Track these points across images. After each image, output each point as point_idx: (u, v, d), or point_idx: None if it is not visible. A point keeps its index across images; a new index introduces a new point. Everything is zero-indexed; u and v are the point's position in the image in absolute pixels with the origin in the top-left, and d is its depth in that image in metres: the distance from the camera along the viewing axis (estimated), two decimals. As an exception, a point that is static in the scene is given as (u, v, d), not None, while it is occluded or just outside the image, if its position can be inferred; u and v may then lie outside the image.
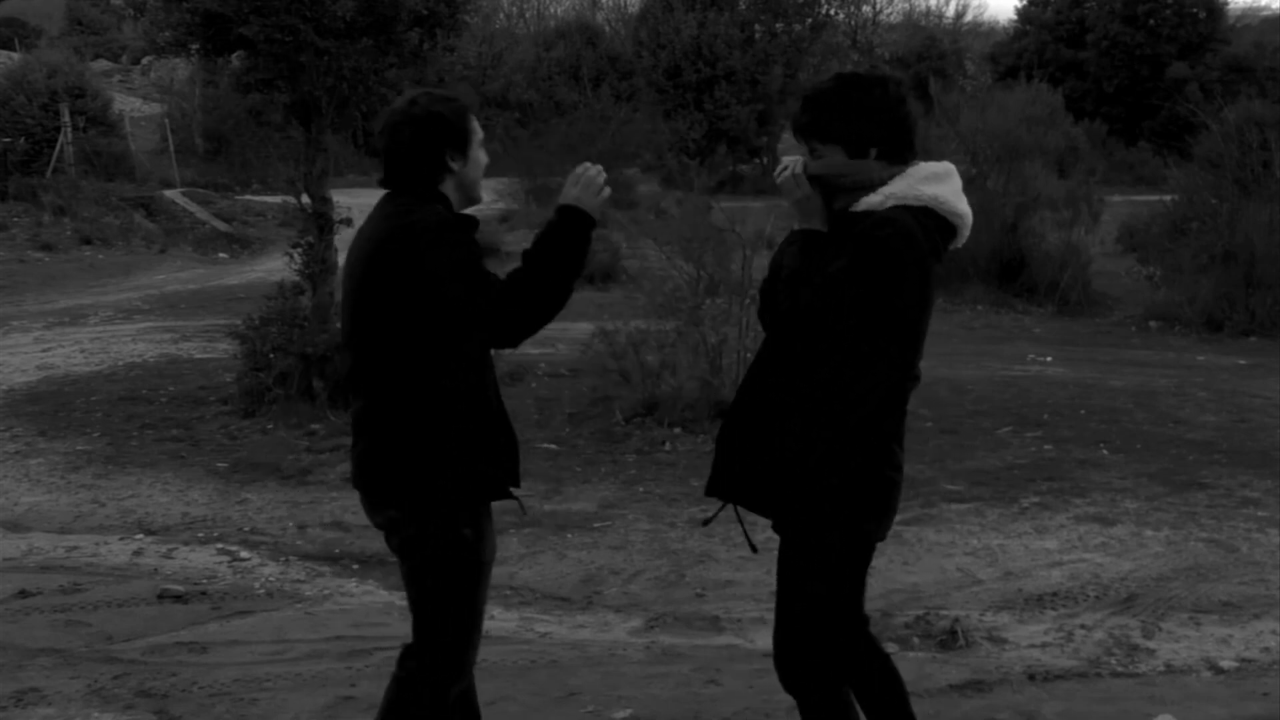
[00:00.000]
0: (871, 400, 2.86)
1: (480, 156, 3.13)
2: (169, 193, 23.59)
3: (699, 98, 31.08)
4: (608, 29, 42.60)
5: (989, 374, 10.80)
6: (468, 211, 3.12)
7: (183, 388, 10.18)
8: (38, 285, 17.30)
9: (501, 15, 47.64)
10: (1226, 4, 37.05)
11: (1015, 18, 39.54)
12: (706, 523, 3.34)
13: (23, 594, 5.65)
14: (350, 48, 9.29)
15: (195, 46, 9.88)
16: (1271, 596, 5.64)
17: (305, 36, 9.03)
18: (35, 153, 23.36)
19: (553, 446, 8.35)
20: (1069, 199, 16.72)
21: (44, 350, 12.23)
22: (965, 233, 2.95)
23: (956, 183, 2.95)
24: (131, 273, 18.64)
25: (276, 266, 13.93)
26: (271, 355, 9.10)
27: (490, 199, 26.89)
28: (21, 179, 21.88)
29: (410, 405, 2.97)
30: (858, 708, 3.10)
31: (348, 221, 9.13)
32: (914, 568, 6.09)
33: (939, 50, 39.22)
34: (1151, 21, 35.08)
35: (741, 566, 5.93)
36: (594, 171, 3.03)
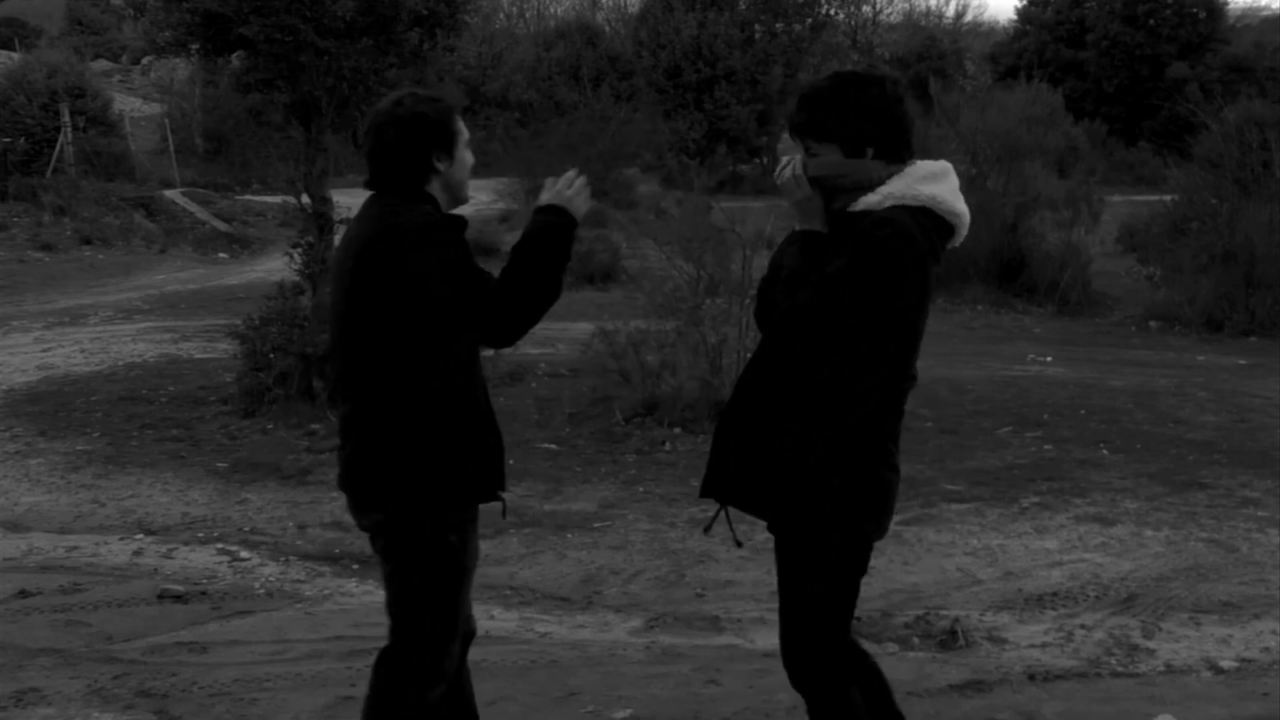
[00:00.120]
0: (871, 400, 2.86)
1: (467, 157, 3.12)
2: (169, 193, 23.59)
3: (699, 98, 31.08)
4: (608, 29, 42.59)
5: (989, 374, 10.80)
6: (456, 212, 3.11)
7: (183, 388, 10.18)
8: (38, 285, 17.30)
9: (501, 15, 47.65)
10: (1226, 4, 37.07)
11: (1015, 18, 39.55)
12: (707, 530, 3.34)
13: (23, 594, 5.65)
14: (350, 48, 9.30)
15: (195, 46, 9.88)
16: (1271, 596, 5.64)
17: (305, 36, 9.04)
18: (35, 153, 23.37)
19: (553, 446, 8.35)
20: (1069, 199, 16.72)
21: (44, 350, 12.23)
22: (963, 232, 2.95)
23: (953, 182, 2.95)
24: (131, 273, 18.64)
25: (276, 266, 13.93)
26: (271, 355, 9.10)
27: (490, 199, 26.97)
28: (21, 179, 21.88)
29: (399, 406, 2.96)
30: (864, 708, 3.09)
31: (347, 222, 9.12)
32: (914, 568, 6.09)
33: (939, 50, 39.21)
34: (1151, 21, 35.07)
35: (741, 566, 5.93)
36: (573, 175, 3.06)
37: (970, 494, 7.25)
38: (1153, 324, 14.73)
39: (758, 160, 32.63)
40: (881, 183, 2.88)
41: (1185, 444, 8.37)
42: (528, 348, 10.59)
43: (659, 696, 4.36)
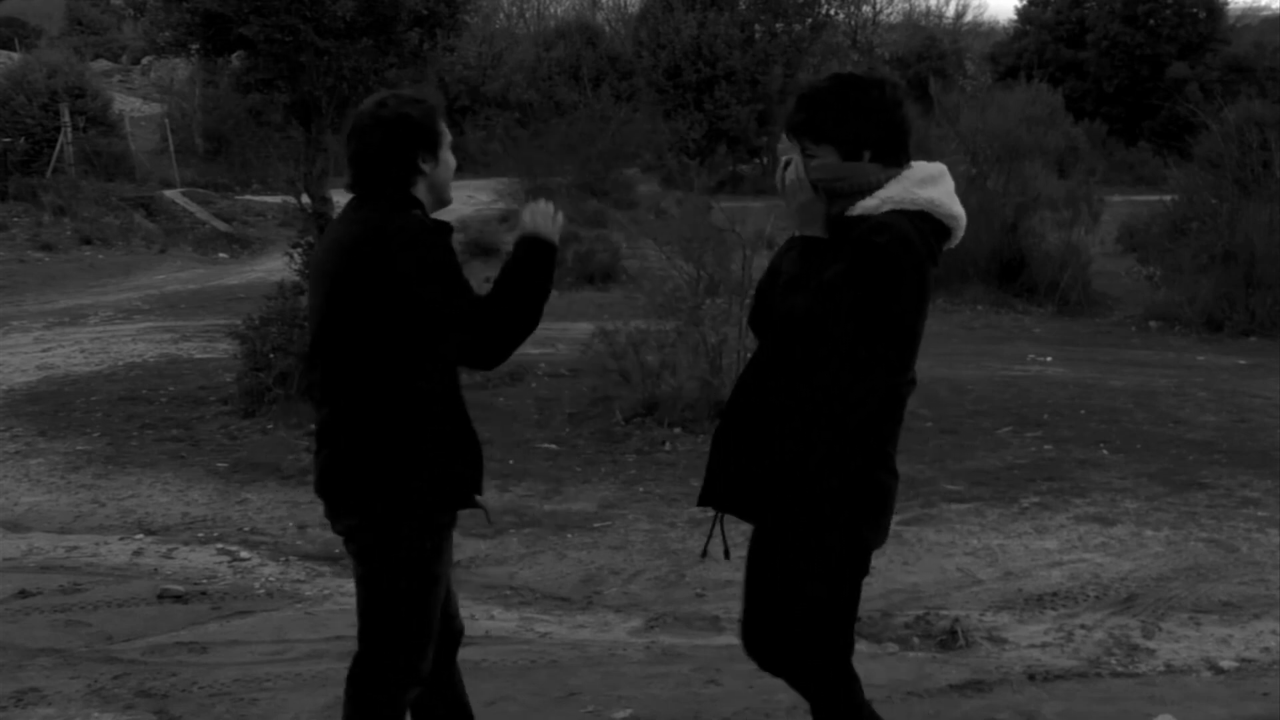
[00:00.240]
0: (870, 403, 2.85)
1: (450, 159, 3.11)
2: (169, 193, 23.59)
3: (699, 98, 31.07)
4: (608, 29, 42.59)
5: (989, 374, 10.80)
6: (441, 217, 3.11)
7: (183, 388, 10.18)
8: (38, 285, 17.30)
9: (501, 15, 47.66)
10: (1226, 4, 37.06)
11: (1015, 18, 39.54)
12: (704, 552, 3.38)
13: (23, 594, 5.65)
14: (350, 48, 9.31)
15: (195, 46, 9.89)
16: (1271, 596, 5.64)
17: (305, 36, 9.04)
18: (35, 153, 23.37)
19: (553, 446, 8.35)
20: (1069, 199, 16.72)
21: (44, 350, 12.23)
22: (960, 234, 2.94)
23: (950, 184, 2.94)
24: (131, 273, 18.64)
25: (276, 266, 13.93)
26: (271, 355, 9.10)
27: (490, 199, 26.95)
28: (21, 179, 21.88)
29: (385, 408, 2.95)
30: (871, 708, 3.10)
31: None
32: (914, 568, 6.09)
33: (939, 50, 39.22)
34: (1151, 21, 35.07)
35: (741, 567, 5.91)
36: (543, 204, 3.08)
37: (970, 494, 7.25)
38: (1153, 324, 14.73)
39: (758, 160, 32.63)
40: (879, 187, 2.86)
41: (1185, 444, 8.37)
42: (528, 348, 10.56)
43: (659, 696, 4.36)
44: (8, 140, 22.82)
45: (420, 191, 3.04)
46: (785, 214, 3.00)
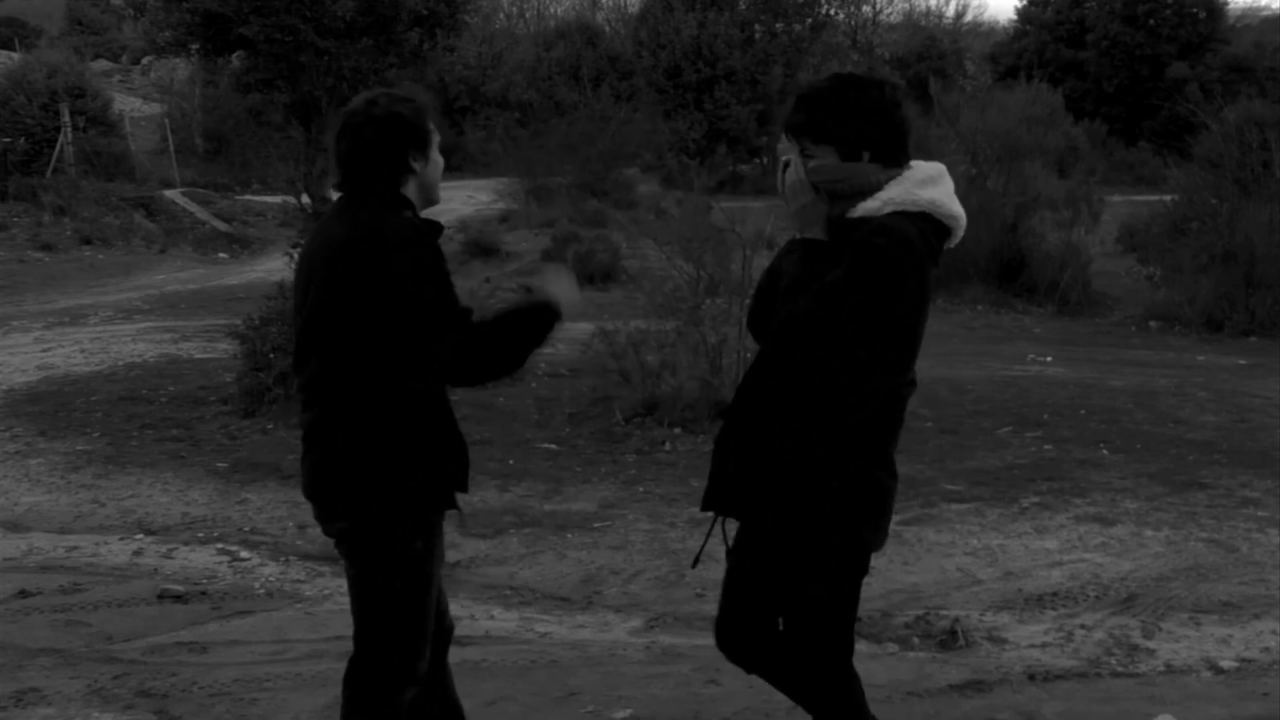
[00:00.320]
0: (870, 404, 2.85)
1: (439, 158, 3.11)
2: (169, 193, 23.59)
3: (699, 98, 31.07)
4: (608, 29, 42.59)
5: (989, 374, 10.80)
6: (441, 217, 3.11)
7: (183, 388, 10.18)
8: (38, 285, 17.30)
9: (501, 15, 47.68)
10: (1226, 4, 37.07)
11: (1015, 18, 39.55)
12: (695, 563, 3.38)
13: (23, 594, 5.65)
14: (350, 48, 9.32)
15: (195, 46, 9.91)
16: (1271, 596, 5.64)
17: (305, 36, 9.06)
18: (35, 153, 23.37)
19: (553, 446, 8.35)
20: (1069, 199, 16.73)
21: (44, 350, 12.23)
22: (959, 234, 2.94)
23: (949, 184, 2.94)
24: (131, 273, 18.64)
25: (276, 266, 13.93)
26: (271, 355, 9.10)
27: (490, 199, 26.93)
28: (21, 179, 21.88)
29: (379, 409, 2.94)
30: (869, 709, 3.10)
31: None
32: (914, 568, 6.09)
33: (939, 50, 39.23)
34: (1151, 21, 35.07)
35: (741, 566, 5.93)
36: (568, 275, 3.12)
37: (970, 494, 7.25)
38: (1153, 324, 14.73)
39: (758, 160, 32.63)
40: (880, 188, 2.85)
41: (1185, 444, 8.37)
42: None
43: (659, 696, 4.36)
44: (8, 140, 22.82)
45: (410, 191, 3.04)
46: (786, 215, 2.99)
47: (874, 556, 3.02)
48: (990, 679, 4.54)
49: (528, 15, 50.11)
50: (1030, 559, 6.23)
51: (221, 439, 8.73)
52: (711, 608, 5.58)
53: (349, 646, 3.18)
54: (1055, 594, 5.71)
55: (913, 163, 2.92)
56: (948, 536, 6.55)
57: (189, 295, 16.42)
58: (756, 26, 32.58)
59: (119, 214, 21.34)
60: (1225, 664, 4.88)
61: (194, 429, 8.98)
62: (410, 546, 3.01)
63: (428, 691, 3.23)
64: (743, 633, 3.10)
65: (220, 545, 6.63)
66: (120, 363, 11.46)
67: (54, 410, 9.60)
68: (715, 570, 6.05)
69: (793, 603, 2.98)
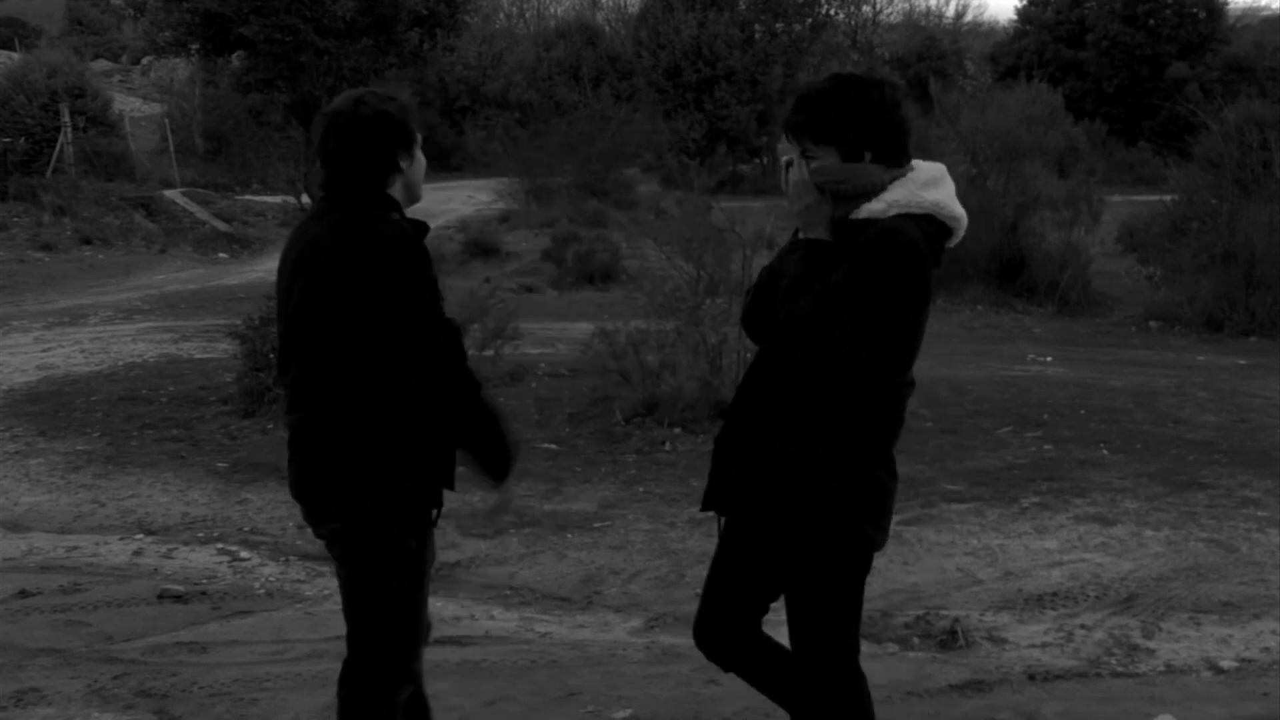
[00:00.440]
0: (870, 404, 2.85)
1: (421, 156, 3.11)
2: (169, 193, 23.59)
3: (699, 98, 31.09)
4: (608, 29, 42.62)
5: (989, 374, 10.80)
6: (429, 217, 3.12)
7: (183, 388, 10.18)
8: (38, 285, 17.30)
9: (501, 15, 47.72)
10: (1226, 4, 37.11)
11: (1015, 18, 39.59)
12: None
13: (23, 594, 5.65)
14: (350, 48, 9.32)
15: (195, 46, 9.92)
16: (1271, 596, 5.64)
17: (305, 36, 9.06)
18: (35, 153, 23.38)
19: (553, 446, 8.35)
20: (1069, 199, 16.73)
21: (44, 350, 12.23)
22: (960, 235, 2.94)
23: (950, 185, 2.93)
24: (131, 273, 18.64)
25: (276, 266, 13.89)
26: (271, 355, 9.09)
27: (490, 199, 26.90)
28: (21, 179, 21.89)
29: (375, 409, 2.93)
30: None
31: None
32: (914, 568, 6.09)
33: (939, 50, 39.26)
34: (1151, 21, 35.10)
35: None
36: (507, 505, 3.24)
37: (970, 494, 7.25)
38: (1153, 324, 14.74)
39: (758, 160, 32.66)
40: (883, 189, 2.85)
41: (1185, 444, 8.37)
42: (528, 348, 10.60)
43: (659, 696, 4.36)
44: (8, 140, 22.82)
45: (397, 190, 3.04)
46: (788, 215, 2.99)
47: (875, 556, 3.02)
48: (990, 679, 4.54)
49: (528, 15, 50.15)
50: (1030, 559, 6.23)
51: (221, 439, 8.73)
52: (712, 608, 5.60)
53: (348, 647, 3.18)
54: (1055, 594, 5.71)
55: (914, 163, 2.92)
56: (948, 536, 6.55)
57: (189, 295, 16.43)
58: (756, 26, 32.62)
59: (119, 214, 21.34)
60: (1225, 664, 4.88)
61: (194, 429, 8.99)
62: (405, 546, 3.01)
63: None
64: (722, 630, 3.10)
65: (220, 545, 6.63)
66: (120, 363, 11.46)
67: (54, 410, 9.60)
68: (715, 570, 6.06)
69: (794, 603, 2.98)
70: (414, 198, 3.12)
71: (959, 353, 11.77)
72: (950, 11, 64.13)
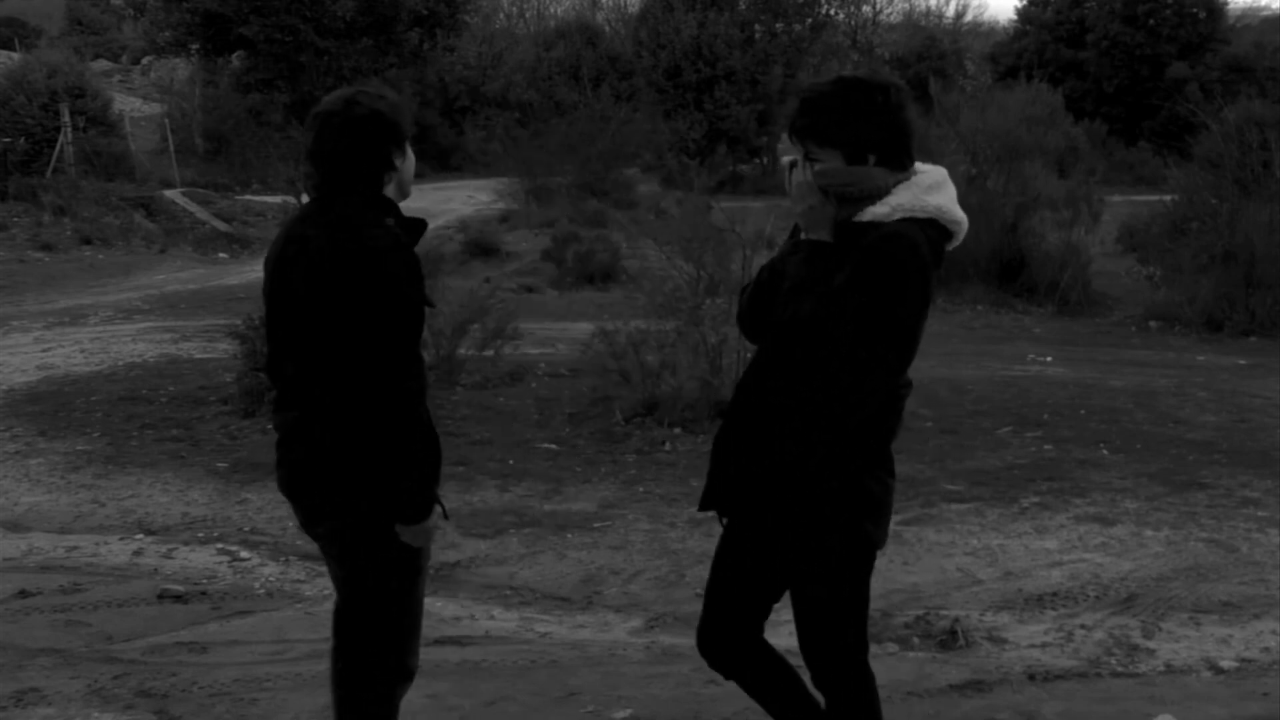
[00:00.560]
0: (870, 404, 2.84)
1: (412, 154, 3.11)
2: (169, 193, 23.59)
3: (699, 98, 31.10)
4: (608, 29, 42.62)
5: (989, 374, 10.80)
6: (427, 217, 3.11)
7: (183, 388, 10.18)
8: (38, 285, 17.30)
9: (501, 15, 47.73)
10: (1226, 4, 37.11)
11: (1015, 18, 39.61)
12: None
13: (23, 594, 5.65)
14: (350, 48, 9.32)
15: (195, 46, 9.92)
16: (1271, 596, 5.64)
17: (305, 36, 9.06)
18: (35, 153, 23.37)
19: (553, 446, 8.35)
20: (1069, 199, 16.74)
21: (44, 350, 12.23)
22: (960, 237, 2.94)
23: (952, 189, 2.93)
24: (131, 273, 18.64)
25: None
26: (271, 355, 9.10)
27: (490, 199, 26.91)
28: (21, 179, 21.88)
29: (373, 409, 2.92)
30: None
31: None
32: (914, 568, 6.09)
33: (939, 50, 39.25)
34: (1151, 21, 35.11)
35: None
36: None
37: (970, 494, 7.25)
38: (1153, 324, 14.74)
39: (758, 160, 32.67)
40: (888, 192, 2.84)
41: (1185, 444, 8.37)
42: (527, 348, 10.60)
43: (659, 696, 4.36)
44: (8, 140, 22.82)
45: (391, 189, 3.03)
46: (791, 216, 2.98)
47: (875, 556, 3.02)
48: (990, 679, 4.54)
49: (528, 15, 50.16)
50: (1030, 559, 6.23)
51: (221, 439, 8.73)
52: (712, 608, 5.60)
53: (348, 647, 3.18)
54: (1055, 594, 5.71)
55: (917, 166, 2.91)
56: (948, 536, 6.55)
57: (189, 295, 16.42)
58: (756, 26, 32.63)
59: (119, 214, 21.34)
60: (1225, 664, 4.88)
61: (194, 429, 8.98)
62: (402, 545, 3.01)
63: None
64: (726, 638, 3.10)
65: (220, 545, 6.63)
66: (120, 363, 11.46)
67: (54, 410, 9.60)
68: (715, 570, 6.06)
69: (797, 603, 2.98)
70: (405, 194, 3.11)
71: (959, 353, 11.77)
72: (950, 11, 64.24)
